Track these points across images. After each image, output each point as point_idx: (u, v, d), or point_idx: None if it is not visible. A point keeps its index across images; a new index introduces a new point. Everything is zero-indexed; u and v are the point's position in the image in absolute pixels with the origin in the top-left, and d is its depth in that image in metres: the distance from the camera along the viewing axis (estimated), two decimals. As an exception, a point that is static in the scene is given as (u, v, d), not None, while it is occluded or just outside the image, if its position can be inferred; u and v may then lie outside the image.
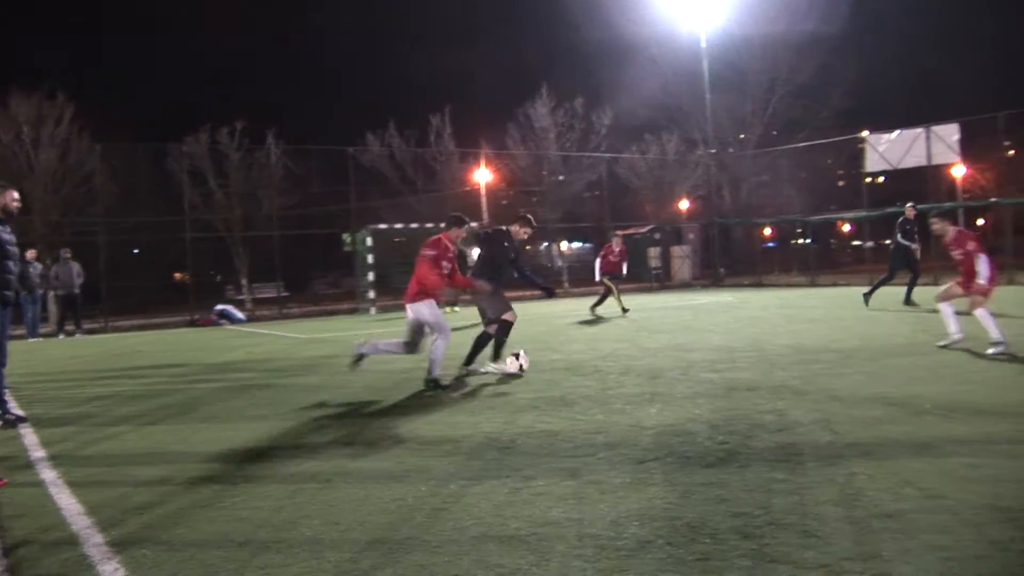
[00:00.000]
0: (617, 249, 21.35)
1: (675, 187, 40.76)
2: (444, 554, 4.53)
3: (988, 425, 6.86)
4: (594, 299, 21.49)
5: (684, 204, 42.51)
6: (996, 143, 40.40)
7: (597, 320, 19.39)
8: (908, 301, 19.16)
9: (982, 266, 11.33)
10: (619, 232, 23.20)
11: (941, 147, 31.22)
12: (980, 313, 11.36)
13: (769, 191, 42.59)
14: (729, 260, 41.16)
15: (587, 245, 56.75)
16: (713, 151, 41.27)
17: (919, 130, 31.72)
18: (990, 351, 10.93)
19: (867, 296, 19.78)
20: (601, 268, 21.36)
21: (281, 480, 6.25)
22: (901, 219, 20.23)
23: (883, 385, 8.95)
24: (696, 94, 40.51)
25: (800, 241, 45.95)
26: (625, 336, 14.64)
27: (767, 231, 55.89)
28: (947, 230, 12.22)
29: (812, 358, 11.27)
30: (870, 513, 4.80)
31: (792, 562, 4.16)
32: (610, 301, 21.25)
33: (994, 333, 11.16)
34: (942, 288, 12.44)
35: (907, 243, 19.79)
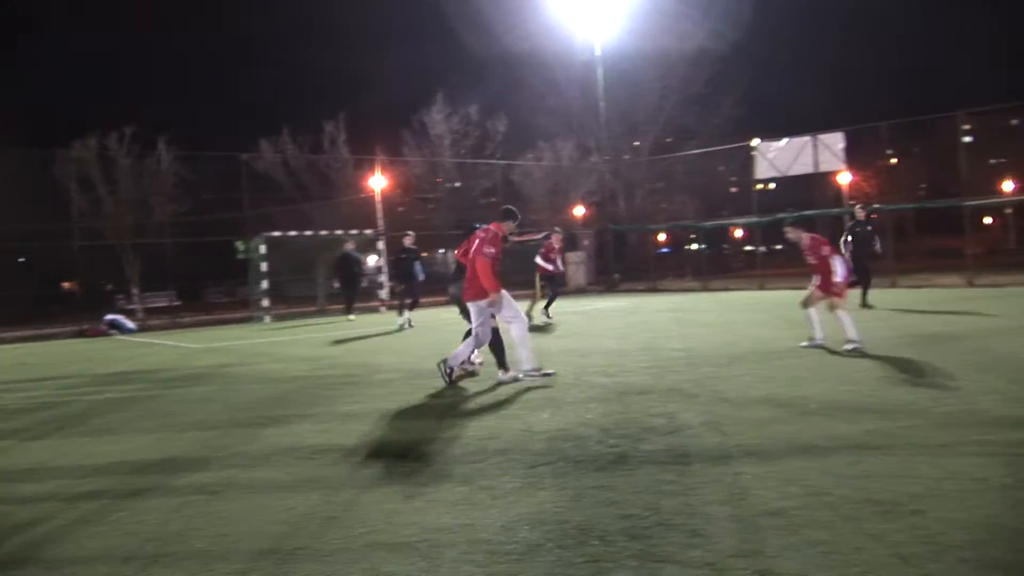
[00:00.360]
0: (557, 247, 20.45)
1: (570, 194, 41.07)
2: (335, 563, 4.51)
3: (867, 423, 7.07)
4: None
5: (579, 210, 42.86)
6: (879, 152, 41.59)
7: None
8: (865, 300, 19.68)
9: (838, 266, 12.02)
10: (559, 229, 22.34)
11: (827, 155, 32.00)
12: (841, 315, 12.14)
13: (663, 197, 43.25)
14: (623, 266, 41.58)
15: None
16: (607, 158, 41.70)
17: (806, 138, 32.46)
18: (847, 347, 11.67)
19: (865, 304, 19.69)
20: (540, 271, 20.40)
21: (169, 493, 6.15)
22: (852, 222, 20.63)
23: (771, 387, 9.15)
24: (590, 102, 40.88)
25: (693, 246, 46.74)
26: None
27: (661, 237, 56.74)
28: (802, 237, 12.80)
29: (703, 361, 11.46)
30: (755, 511, 4.92)
31: (679, 561, 4.24)
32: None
33: (851, 333, 11.92)
34: (804, 294, 13.00)
35: (848, 248, 20.04)
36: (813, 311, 12.60)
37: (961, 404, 7.65)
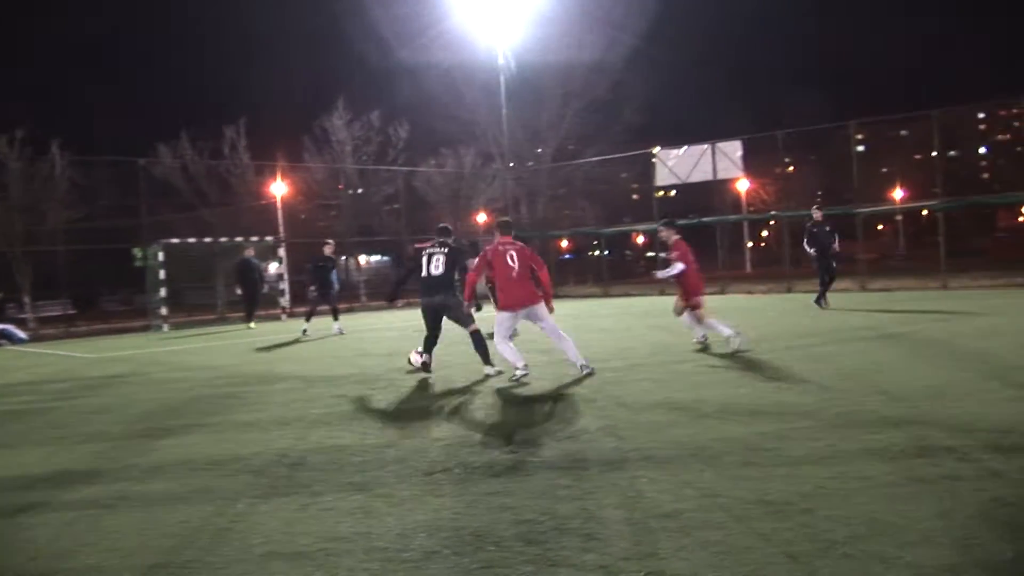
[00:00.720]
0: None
1: (472, 201, 41.10)
2: (230, 574, 4.46)
3: (760, 425, 7.22)
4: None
5: (482, 217, 42.91)
6: (777, 159, 42.45)
7: (391, 333, 19.38)
8: (820, 301, 20.00)
9: (675, 269, 12.63)
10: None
11: (726, 163, 32.57)
12: (710, 322, 13.00)
13: (565, 204, 43.49)
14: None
15: (385, 259, 56.58)
16: (510, 165, 41.84)
17: (705, 146, 33.01)
18: (734, 345, 12.35)
19: (821, 302, 20.01)
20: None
21: (60, 508, 6.00)
22: (809, 223, 21.01)
23: (668, 391, 9.29)
24: (493, 109, 40.94)
25: (595, 253, 47.14)
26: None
27: (563, 243, 57.11)
28: (671, 238, 13.47)
29: (602, 366, 11.54)
30: (649, 514, 4.99)
31: (573, 565, 4.28)
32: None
33: (725, 331, 12.70)
34: (673, 305, 13.74)
35: (811, 250, 20.51)
36: (686, 317, 13.39)
37: (850, 405, 7.85)
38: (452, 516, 5.17)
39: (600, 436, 7.15)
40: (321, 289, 20.66)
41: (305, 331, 20.23)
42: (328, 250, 21.05)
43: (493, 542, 4.67)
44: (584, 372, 10.92)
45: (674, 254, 13.23)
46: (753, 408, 8.04)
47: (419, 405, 9.39)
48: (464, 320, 11.95)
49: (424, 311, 12.19)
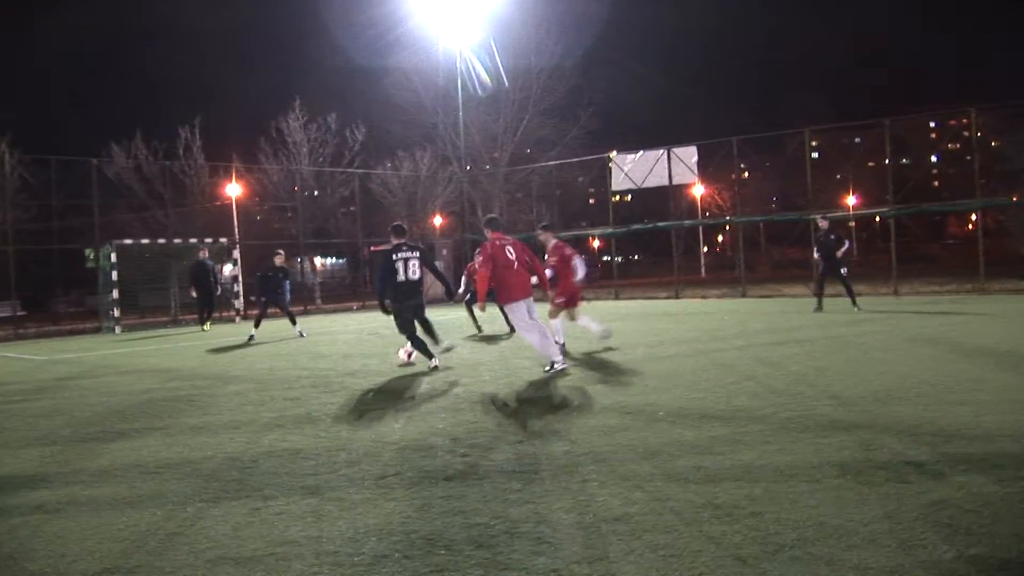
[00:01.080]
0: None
1: (428, 203, 41.05)
2: (177, 579, 4.43)
3: (712, 429, 7.28)
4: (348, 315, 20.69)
5: (438, 220, 42.88)
6: (732, 165, 42.80)
7: (344, 336, 19.32)
8: (854, 304, 20.16)
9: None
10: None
11: (681, 168, 32.77)
12: (583, 321, 14.03)
13: (521, 208, 43.51)
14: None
15: (340, 261, 56.40)
16: (467, 168, 41.85)
17: (660, 151, 33.19)
18: (601, 342, 13.58)
19: (855, 305, 20.16)
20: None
21: (3, 513, 5.93)
22: (818, 233, 21.30)
23: (621, 395, 9.33)
24: (449, 112, 40.94)
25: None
26: (375, 351, 14.68)
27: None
28: (549, 241, 13.97)
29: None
30: (600, 518, 5.01)
31: (524, 568, 4.29)
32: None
33: (595, 328, 14.02)
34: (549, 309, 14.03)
35: (823, 257, 20.73)
36: (558, 321, 13.78)
37: (802, 409, 7.93)
38: (403, 520, 5.17)
39: (553, 440, 7.17)
40: (270, 297, 20.36)
41: (252, 337, 20.06)
42: (279, 260, 20.80)
43: (444, 546, 4.67)
44: (547, 371, 11.30)
45: (552, 259, 13.69)
46: (705, 412, 8.10)
47: (373, 408, 9.37)
48: (424, 315, 12.74)
49: (404, 312, 12.43)
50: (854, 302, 20.13)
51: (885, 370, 10.36)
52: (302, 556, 4.65)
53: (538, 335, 11.55)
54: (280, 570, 4.47)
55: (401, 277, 12.29)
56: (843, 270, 20.38)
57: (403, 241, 12.55)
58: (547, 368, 11.38)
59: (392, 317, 12.59)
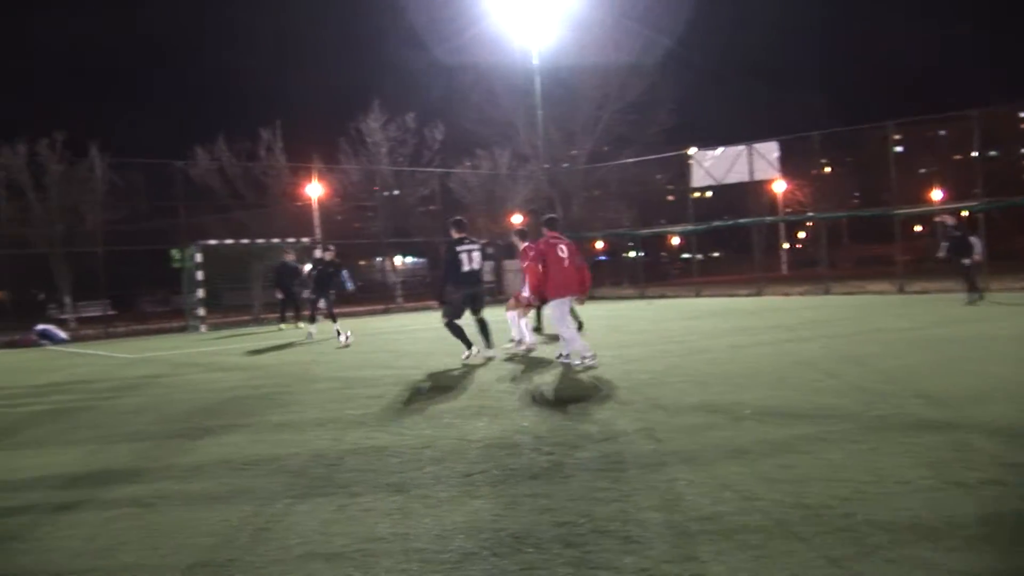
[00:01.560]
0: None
1: (507, 202, 41.07)
2: (269, 574, 4.48)
3: (799, 427, 7.17)
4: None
5: (517, 218, 42.93)
6: (813, 161, 42.20)
7: (425, 334, 19.40)
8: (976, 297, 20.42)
9: (528, 278, 13.50)
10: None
11: (762, 164, 32.39)
12: (509, 316, 14.70)
13: (599, 205, 43.37)
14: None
15: (420, 260, 56.72)
16: (545, 166, 41.79)
17: (741, 147, 32.84)
18: (507, 346, 14.16)
19: (975, 298, 20.47)
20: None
21: (98, 507, 6.04)
22: (947, 229, 21.61)
23: (706, 393, 9.24)
24: (528, 110, 40.86)
25: (630, 254, 47.00)
26: (456, 349, 14.69)
27: (598, 245, 57.02)
28: (519, 245, 14.95)
29: (638, 368, 11.53)
30: (688, 517, 4.95)
31: (613, 568, 4.26)
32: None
33: (514, 332, 14.57)
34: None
35: (953, 252, 20.96)
36: (512, 315, 14.71)
37: (890, 408, 7.77)
38: (491, 518, 5.16)
39: (638, 438, 7.12)
40: (319, 293, 20.43)
41: (310, 335, 20.33)
42: (328, 255, 20.89)
43: (532, 544, 4.65)
44: (562, 360, 12.38)
45: (524, 263, 14.45)
46: (791, 410, 7.99)
47: (456, 406, 9.38)
48: (482, 307, 13.76)
49: (456, 300, 13.25)
50: (974, 293, 20.34)
51: (977, 369, 10.13)
52: (390, 553, 4.66)
53: (572, 332, 12.46)
54: (368, 566, 4.49)
55: (465, 267, 13.12)
56: (965, 261, 20.57)
57: (464, 235, 13.44)
58: (573, 361, 12.20)
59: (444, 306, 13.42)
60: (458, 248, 13.15)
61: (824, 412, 7.81)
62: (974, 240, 20.85)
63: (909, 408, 7.76)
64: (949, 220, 21.51)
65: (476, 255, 13.23)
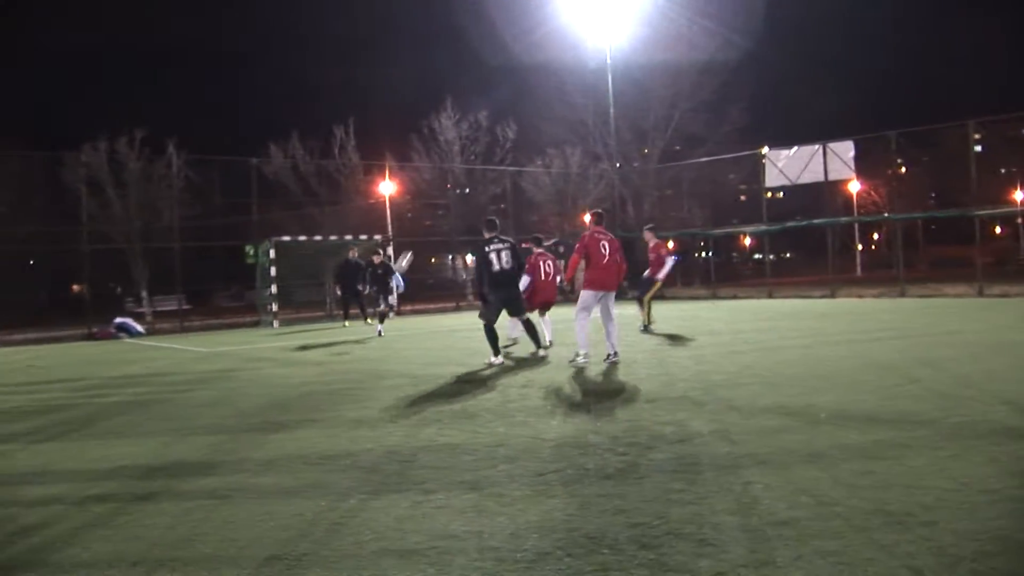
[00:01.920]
0: (652, 244, 19.09)
1: (578, 201, 40.99)
2: (343, 569, 4.49)
3: (878, 432, 7.03)
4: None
5: (588, 218, 42.82)
6: (889, 160, 41.55)
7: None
8: None
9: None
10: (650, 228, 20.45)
11: (837, 164, 31.95)
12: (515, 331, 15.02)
13: (671, 205, 43.18)
14: (632, 273, 41.52)
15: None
16: (617, 165, 41.65)
17: (816, 147, 32.43)
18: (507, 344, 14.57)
19: None
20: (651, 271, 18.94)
21: (177, 497, 6.13)
22: None
23: (780, 395, 9.13)
24: (600, 109, 40.78)
25: (702, 254, 46.67)
26: (525, 348, 14.69)
27: (670, 244, 56.69)
28: (534, 250, 15.62)
29: (711, 369, 11.43)
30: (765, 521, 4.88)
31: (689, 571, 4.21)
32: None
33: (515, 332, 15.23)
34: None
35: None
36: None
37: (972, 414, 7.60)
38: (565, 518, 5.13)
39: (712, 440, 7.05)
40: (381, 291, 21.17)
41: (380, 333, 20.64)
42: (377, 259, 21.57)
43: (607, 545, 4.62)
44: (608, 360, 12.52)
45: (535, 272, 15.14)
46: (869, 415, 7.85)
47: (528, 404, 9.36)
48: (521, 310, 13.85)
49: (499, 303, 13.30)
50: None
51: (1061, 375, 9.88)
52: (464, 551, 4.66)
53: (585, 326, 12.76)
54: (443, 564, 4.48)
55: (496, 267, 13.04)
56: None
57: (495, 234, 13.31)
58: (570, 359, 12.73)
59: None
60: (487, 248, 13.14)
61: (903, 417, 7.66)
62: None
63: (991, 414, 7.58)
64: None
65: (505, 255, 13.10)
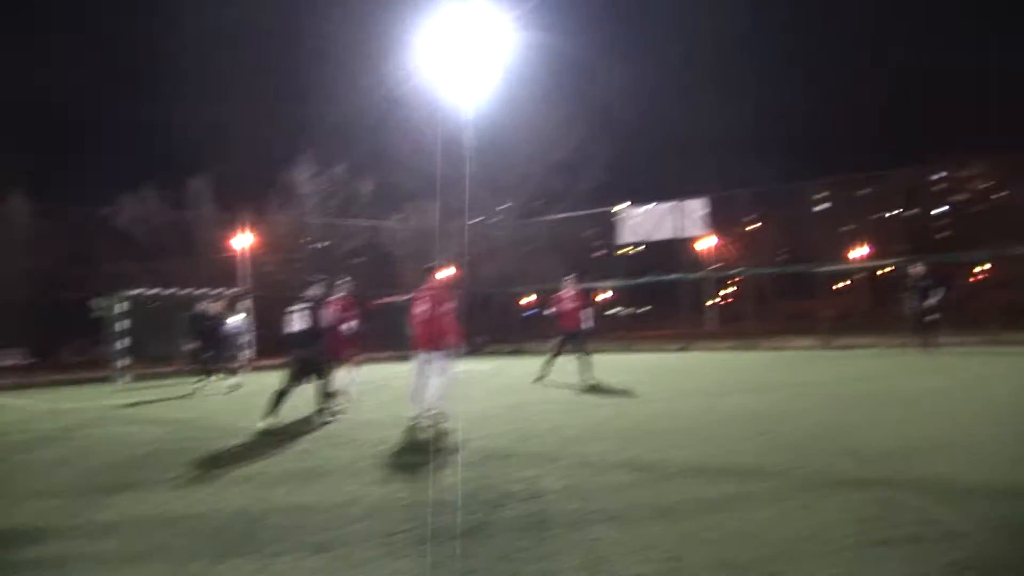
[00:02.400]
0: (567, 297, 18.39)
1: (437, 255, 41.00)
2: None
3: (728, 485, 7.17)
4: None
5: (445, 272, 42.82)
6: (741, 217, 42.85)
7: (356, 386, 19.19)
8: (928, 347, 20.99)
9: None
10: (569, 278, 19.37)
11: (691, 220, 32.81)
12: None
13: (529, 260, 43.49)
14: (490, 328, 41.64)
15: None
16: (475, 220, 41.88)
17: (669, 204, 33.25)
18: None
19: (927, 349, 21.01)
20: (560, 321, 18.41)
21: (5, 569, 5.84)
22: (912, 279, 22.03)
23: (633, 450, 9.22)
24: (458, 164, 41.02)
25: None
26: (383, 404, 14.55)
27: (528, 299, 57.09)
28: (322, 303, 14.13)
29: (567, 423, 11.49)
30: (611, 577, 4.91)
31: (536, 630, 4.20)
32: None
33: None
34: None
35: (918, 303, 21.41)
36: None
37: (820, 465, 7.81)
38: (413, 579, 5.09)
39: (563, 496, 7.07)
40: (214, 346, 20.90)
41: (201, 387, 20.34)
42: (215, 307, 21.37)
43: (455, 605, 4.59)
44: (418, 421, 11.91)
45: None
46: (719, 468, 7.99)
47: (383, 463, 9.25)
48: (317, 371, 13.01)
49: (295, 363, 12.80)
50: (929, 346, 20.97)
51: (907, 425, 10.22)
52: (310, 615, 4.57)
53: (415, 384, 12.24)
54: (288, 630, 4.38)
55: (292, 328, 12.69)
56: (931, 316, 21.29)
57: (309, 294, 13.04)
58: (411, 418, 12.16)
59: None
60: (287, 309, 12.91)
61: (753, 469, 7.83)
62: (938, 291, 21.34)
63: (839, 465, 7.80)
64: (918, 270, 21.92)
65: (299, 316, 12.67)
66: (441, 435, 11.07)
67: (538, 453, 9.31)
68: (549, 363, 18.53)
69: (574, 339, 18.06)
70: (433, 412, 11.93)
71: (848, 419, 10.89)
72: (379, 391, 17.25)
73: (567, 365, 17.75)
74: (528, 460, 8.90)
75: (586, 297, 19.20)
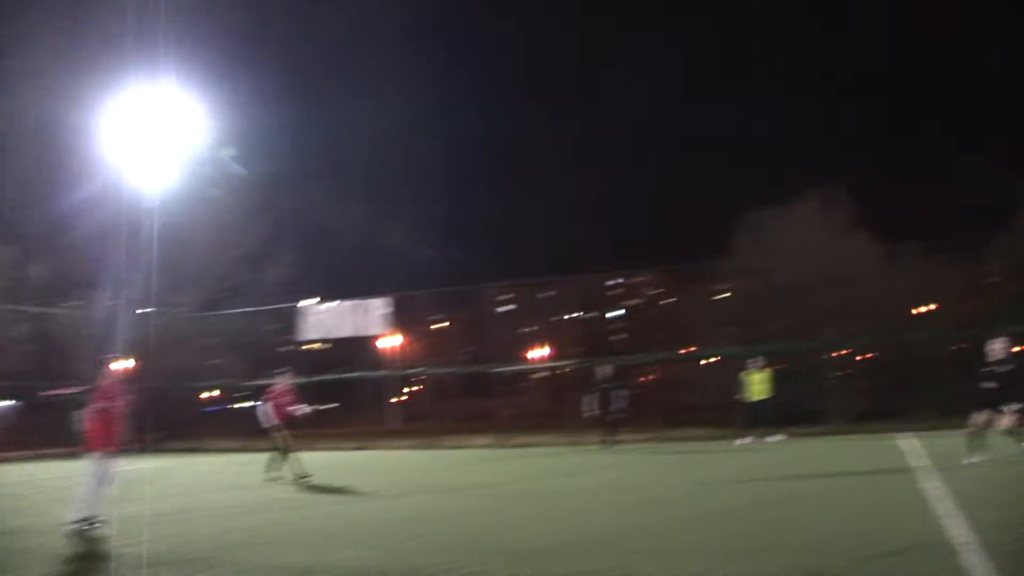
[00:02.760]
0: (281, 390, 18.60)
1: (113, 346, 39.09)
2: None
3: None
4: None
5: (121, 364, 40.86)
6: (426, 317, 43.58)
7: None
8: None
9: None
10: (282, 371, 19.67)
11: (374, 318, 33.02)
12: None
13: (210, 354, 42.28)
14: (168, 423, 39.96)
15: (12, 403, 52.45)
16: (155, 310, 40.32)
17: (352, 302, 33.44)
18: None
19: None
20: (275, 414, 18.22)
21: None
22: (599, 376, 23.46)
23: (293, 554, 9.10)
24: (138, 252, 39.54)
25: (242, 404, 45.93)
26: (37, 506, 13.52)
27: (209, 394, 55.29)
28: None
29: (232, 527, 11.14)
30: None
31: None
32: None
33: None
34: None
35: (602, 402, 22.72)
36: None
37: (474, 566, 7.96)
38: None
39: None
40: None
41: None
42: None
43: None
44: (80, 527, 10.78)
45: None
46: (382, 570, 8.02)
47: None
48: None
49: None
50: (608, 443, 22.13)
51: (568, 521, 10.55)
52: None
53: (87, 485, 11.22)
54: None
55: None
56: (615, 415, 22.78)
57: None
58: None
59: None
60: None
61: (409, 571, 7.82)
62: (622, 392, 22.57)
63: (492, 564, 7.94)
64: (605, 372, 23.21)
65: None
66: (97, 541, 10.41)
67: (194, 559, 8.93)
68: (279, 459, 17.97)
69: (281, 432, 17.82)
70: (91, 516, 11.00)
71: (510, 516, 11.17)
72: (37, 492, 16.09)
73: (234, 467, 17.28)
74: (184, 567, 8.52)
75: (299, 391, 19.21)
